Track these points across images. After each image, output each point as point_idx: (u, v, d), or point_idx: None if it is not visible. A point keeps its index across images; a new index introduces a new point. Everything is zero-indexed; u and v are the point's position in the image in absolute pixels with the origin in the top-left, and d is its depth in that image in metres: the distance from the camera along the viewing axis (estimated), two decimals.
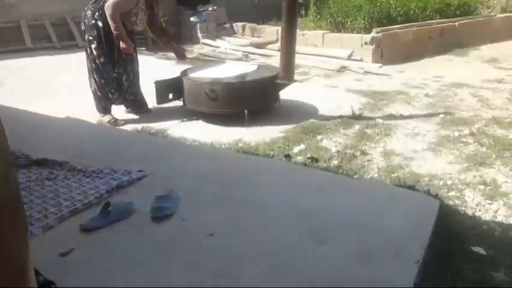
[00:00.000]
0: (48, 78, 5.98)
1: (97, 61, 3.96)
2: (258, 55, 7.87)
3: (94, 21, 3.90)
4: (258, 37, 8.87)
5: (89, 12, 3.95)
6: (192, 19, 9.13)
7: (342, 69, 6.43)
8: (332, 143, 3.59)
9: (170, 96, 4.23)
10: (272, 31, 8.53)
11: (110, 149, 2.93)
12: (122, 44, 3.89)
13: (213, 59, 7.59)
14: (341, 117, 4.18)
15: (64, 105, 4.37)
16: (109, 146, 2.99)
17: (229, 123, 4.00)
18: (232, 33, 9.35)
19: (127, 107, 4.42)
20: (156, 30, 4.43)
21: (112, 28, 3.83)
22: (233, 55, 7.88)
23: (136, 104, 4.37)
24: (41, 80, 5.91)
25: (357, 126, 3.91)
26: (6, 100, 4.59)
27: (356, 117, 4.15)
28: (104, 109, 4.15)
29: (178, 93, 4.20)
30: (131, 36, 4.10)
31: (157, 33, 4.46)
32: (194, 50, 8.53)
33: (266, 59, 7.61)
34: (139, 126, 4.05)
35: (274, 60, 7.44)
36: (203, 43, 9.06)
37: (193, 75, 4.13)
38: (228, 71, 4.28)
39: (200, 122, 4.14)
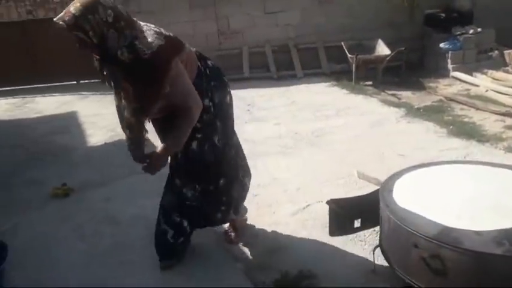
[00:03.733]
0: None
1: None
2: None
3: None
4: None
5: None
6: (441, 45, 6.73)
7: None
8: None
9: (357, 224, 2.32)
10: None
11: None
12: None
13: (463, 107, 5.14)
14: None
15: None
16: None
17: None
18: (500, 65, 6.49)
19: None
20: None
21: None
22: (497, 104, 5.19)
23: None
24: None
25: None
26: None
27: None
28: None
29: (372, 221, 2.26)
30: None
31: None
32: (438, 88, 6.20)
33: None
34: None
35: None
36: (453, 77, 6.57)
37: (402, 199, 2.06)
38: (479, 196, 2.03)
39: None
